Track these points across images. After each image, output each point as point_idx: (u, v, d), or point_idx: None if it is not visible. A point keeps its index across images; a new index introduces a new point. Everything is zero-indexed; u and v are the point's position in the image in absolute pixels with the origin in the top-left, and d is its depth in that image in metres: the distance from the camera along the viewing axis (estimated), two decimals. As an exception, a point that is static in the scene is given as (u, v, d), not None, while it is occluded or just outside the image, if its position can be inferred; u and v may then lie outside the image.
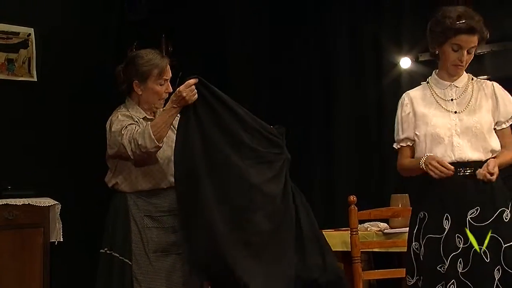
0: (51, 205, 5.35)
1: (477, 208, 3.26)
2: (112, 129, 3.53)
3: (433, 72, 3.52)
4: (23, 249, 5.22)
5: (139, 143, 3.41)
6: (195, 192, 3.44)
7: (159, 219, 3.60)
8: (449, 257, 3.25)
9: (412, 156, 3.47)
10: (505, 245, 3.23)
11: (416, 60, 6.06)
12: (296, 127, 6.45)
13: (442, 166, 3.25)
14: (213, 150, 3.49)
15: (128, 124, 3.50)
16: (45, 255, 5.29)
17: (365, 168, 6.28)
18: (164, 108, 3.55)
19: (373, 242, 4.75)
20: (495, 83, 3.48)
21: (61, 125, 5.86)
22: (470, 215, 3.26)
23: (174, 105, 3.48)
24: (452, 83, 3.43)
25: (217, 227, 3.40)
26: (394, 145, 3.53)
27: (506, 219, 3.28)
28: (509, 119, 3.43)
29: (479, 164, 3.29)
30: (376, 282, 5.44)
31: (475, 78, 3.49)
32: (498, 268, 3.22)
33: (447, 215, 3.28)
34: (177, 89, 3.49)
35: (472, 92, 3.43)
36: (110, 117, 3.61)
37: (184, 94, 3.44)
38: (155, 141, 3.41)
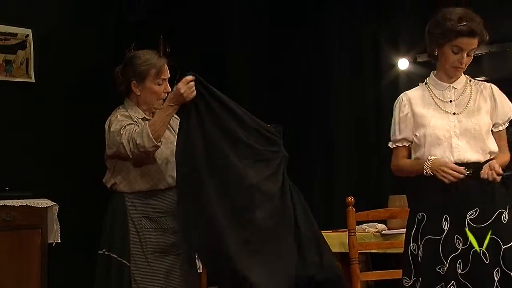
0: (49, 206, 5.35)
1: (476, 209, 3.26)
2: (111, 129, 3.53)
3: (431, 73, 3.52)
4: (21, 250, 5.21)
5: (137, 142, 3.41)
6: (197, 192, 3.43)
7: (157, 220, 3.60)
8: (448, 258, 3.25)
9: (408, 157, 3.48)
10: (504, 247, 3.24)
11: (414, 61, 6.07)
12: (295, 127, 6.45)
13: (453, 170, 3.25)
14: (214, 149, 3.49)
15: (127, 124, 3.50)
16: (43, 256, 5.29)
17: (363, 169, 6.28)
18: (162, 106, 3.54)
19: (371, 243, 4.75)
20: (493, 85, 3.49)
21: (59, 126, 5.86)
22: (469, 216, 3.26)
23: (171, 103, 3.47)
24: (451, 85, 3.44)
25: (219, 226, 3.40)
26: (390, 145, 3.52)
27: (504, 220, 3.28)
28: (506, 121, 3.44)
29: (478, 165, 3.29)
30: (374, 283, 5.44)
31: (473, 80, 3.49)
32: (497, 269, 3.22)
33: (446, 216, 3.28)
34: (175, 86, 3.48)
35: (471, 94, 3.43)
36: (109, 118, 3.61)
37: (182, 91, 3.43)
38: (153, 140, 3.40)
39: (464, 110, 3.39)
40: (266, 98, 6.35)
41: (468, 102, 3.41)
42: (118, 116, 3.58)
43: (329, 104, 6.48)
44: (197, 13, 6.42)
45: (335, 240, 4.75)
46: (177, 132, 3.64)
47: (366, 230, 4.92)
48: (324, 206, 6.26)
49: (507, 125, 3.45)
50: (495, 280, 3.21)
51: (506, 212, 3.29)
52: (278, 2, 6.65)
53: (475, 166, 3.29)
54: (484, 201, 3.28)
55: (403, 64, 6.13)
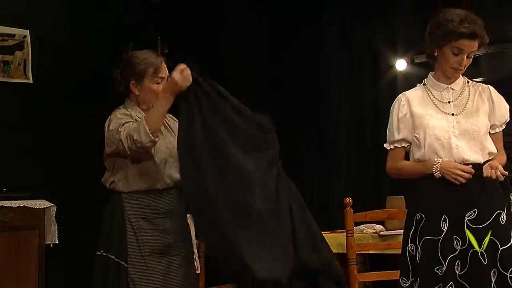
0: (47, 207, 5.34)
1: (475, 210, 3.26)
2: (110, 127, 3.53)
3: (429, 74, 3.52)
4: (18, 251, 5.21)
5: (135, 138, 3.40)
6: (199, 179, 3.42)
7: (154, 221, 3.60)
8: (447, 259, 3.25)
9: (404, 159, 3.47)
10: (502, 248, 3.24)
11: (412, 62, 6.08)
12: (292, 128, 6.45)
13: (463, 171, 3.25)
14: (213, 137, 3.46)
15: (126, 122, 3.50)
16: (41, 257, 5.28)
17: (361, 170, 6.29)
18: (157, 99, 3.53)
19: (368, 244, 4.76)
20: (491, 87, 3.49)
21: (56, 127, 5.86)
22: (468, 217, 3.26)
23: (167, 94, 3.46)
24: (449, 86, 3.44)
25: (221, 212, 3.39)
26: (386, 146, 3.51)
27: (502, 221, 3.29)
28: (503, 123, 3.45)
29: (477, 166, 3.30)
30: (372, 284, 5.44)
31: (470, 81, 3.50)
32: (494, 270, 3.23)
33: (444, 217, 3.28)
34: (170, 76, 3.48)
35: (469, 95, 3.43)
36: (109, 117, 3.61)
37: (177, 80, 3.42)
38: (150, 135, 3.40)
39: (462, 111, 3.40)
40: (263, 98, 6.35)
41: (467, 103, 3.41)
42: (118, 115, 3.58)
43: (327, 105, 6.49)
44: (195, 14, 6.42)
45: (333, 241, 4.75)
46: (175, 132, 3.65)
47: (364, 231, 4.93)
48: (322, 207, 6.26)
49: (504, 127, 3.46)
50: (492, 281, 3.21)
51: (504, 213, 3.30)
52: (275, 2, 6.65)
53: (475, 167, 3.30)
54: (482, 202, 3.28)
55: (401, 65, 6.15)
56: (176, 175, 3.62)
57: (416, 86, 3.55)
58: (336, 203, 5.06)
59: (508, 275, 3.22)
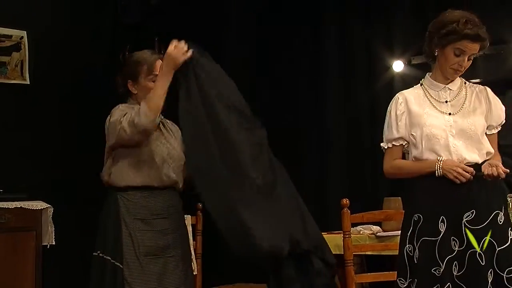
0: (44, 208, 5.33)
1: (473, 211, 3.27)
2: (111, 120, 3.54)
3: (427, 74, 3.53)
4: (15, 253, 5.20)
5: (135, 122, 3.41)
6: (204, 153, 3.44)
7: (150, 222, 3.59)
8: (444, 260, 3.25)
9: (401, 158, 3.47)
10: (499, 248, 3.25)
11: (408, 63, 6.09)
12: (289, 129, 6.46)
13: (464, 170, 3.26)
14: (212, 112, 3.47)
15: (127, 112, 3.51)
16: (38, 259, 5.27)
17: (358, 171, 6.29)
18: (156, 79, 3.52)
19: (365, 245, 4.75)
20: (488, 88, 3.50)
21: (54, 128, 5.85)
22: (465, 217, 3.27)
23: (165, 70, 3.47)
24: (446, 86, 3.45)
25: (224, 182, 3.40)
26: (383, 145, 3.50)
27: (500, 221, 3.29)
28: (499, 124, 3.46)
29: (475, 166, 3.30)
30: (369, 285, 5.45)
31: (467, 82, 3.51)
32: (491, 270, 3.23)
33: (442, 218, 3.28)
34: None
35: (466, 95, 3.44)
36: (111, 112, 3.61)
37: (172, 54, 3.44)
38: (151, 116, 3.40)
39: (459, 111, 3.40)
40: (261, 99, 6.35)
41: (464, 103, 3.42)
42: (120, 107, 3.60)
43: (324, 105, 6.49)
44: (193, 15, 6.41)
45: (330, 242, 4.71)
46: (176, 136, 3.69)
47: (361, 232, 4.92)
48: (319, 208, 6.25)
49: (499, 128, 3.47)
50: (488, 282, 3.22)
51: (502, 213, 3.30)
52: (274, 3, 6.66)
53: (475, 167, 3.30)
54: (481, 202, 3.28)
55: (398, 66, 6.15)
56: (174, 176, 3.62)
57: (413, 87, 3.55)
58: (333, 204, 5.07)
59: (505, 275, 3.22)
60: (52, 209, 5.36)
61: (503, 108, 3.48)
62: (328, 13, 6.53)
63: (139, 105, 3.64)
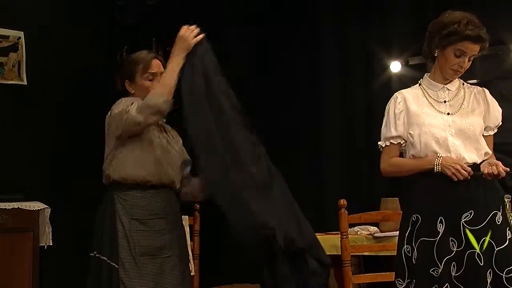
0: (41, 209, 5.33)
1: (471, 211, 3.27)
2: (115, 111, 3.53)
3: (425, 75, 3.53)
4: (12, 253, 5.20)
5: (150, 103, 3.42)
6: (204, 119, 3.45)
7: (147, 222, 3.59)
8: (443, 261, 3.25)
9: (398, 156, 3.47)
10: (497, 249, 3.25)
11: (406, 64, 6.09)
12: (286, 130, 6.46)
13: (463, 169, 3.26)
14: (214, 100, 3.49)
15: (133, 102, 3.52)
16: (35, 259, 5.27)
17: (355, 172, 6.29)
18: (168, 62, 3.53)
19: (363, 245, 4.76)
20: (486, 89, 3.51)
21: (51, 128, 5.85)
22: (464, 218, 3.27)
23: (176, 52, 3.48)
24: (445, 86, 3.45)
25: (227, 167, 3.41)
26: (381, 143, 3.50)
27: (498, 221, 3.30)
28: (496, 126, 3.47)
29: (473, 166, 3.31)
30: (366, 285, 5.45)
31: (465, 83, 3.51)
32: (490, 271, 3.23)
33: (441, 218, 3.28)
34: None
35: (464, 96, 3.45)
36: (113, 106, 3.61)
37: (184, 35, 3.47)
38: (165, 96, 3.41)
39: (458, 111, 3.41)
40: (256, 101, 6.35)
41: (462, 103, 3.43)
42: (123, 100, 3.61)
43: (321, 106, 6.49)
44: (191, 15, 6.41)
45: (327, 242, 4.74)
46: (176, 140, 3.72)
47: (359, 233, 4.93)
48: (316, 209, 6.26)
49: (496, 130, 3.47)
50: (487, 282, 3.22)
51: (500, 213, 3.31)
52: (269, 6, 6.66)
53: (473, 167, 3.30)
54: (479, 202, 3.29)
55: (395, 66, 6.16)
56: (172, 175, 3.63)
57: (410, 87, 3.56)
58: (331, 204, 5.07)
59: (504, 275, 3.23)
60: (49, 210, 5.35)
61: (500, 110, 3.49)
62: (326, 13, 6.53)
63: None
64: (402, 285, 3.35)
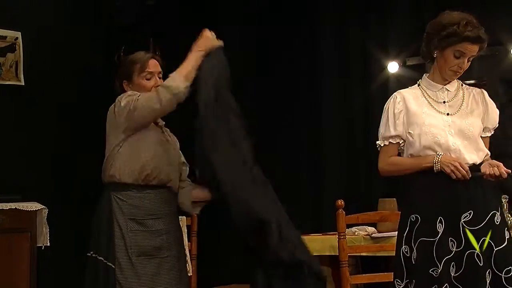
0: (38, 209, 5.32)
1: (471, 212, 3.27)
2: (122, 104, 3.52)
3: (424, 75, 3.53)
4: (10, 254, 5.19)
5: (168, 85, 3.44)
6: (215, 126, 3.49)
7: (145, 222, 3.58)
8: (442, 261, 3.24)
9: (397, 156, 3.48)
10: (496, 249, 3.25)
11: (403, 65, 6.10)
12: (284, 131, 6.46)
13: (463, 168, 3.26)
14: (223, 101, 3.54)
15: (140, 94, 3.53)
16: (32, 260, 5.26)
17: (353, 173, 6.30)
18: (188, 54, 3.56)
19: (360, 246, 4.75)
20: (484, 91, 3.51)
21: (48, 129, 5.85)
22: (463, 218, 3.27)
23: (198, 48, 3.54)
24: (444, 86, 3.45)
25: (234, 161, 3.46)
26: (379, 143, 3.49)
27: (497, 222, 3.30)
28: (493, 128, 3.47)
29: (472, 166, 3.31)
30: (364, 286, 5.45)
31: (464, 84, 3.51)
32: (489, 271, 3.24)
33: (440, 219, 3.28)
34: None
35: (463, 97, 3.45)
36: (115, 102, 3.60)
37: (208, 35, 3.54)
38: (184, 82, 3.45)
39: (457, 112, 3.41)
40: (254, 101, 6.35)
41: (461, 104, 3.43)
42: (129, 92, 3.60)
43: (319, 106, 6.50)
44: (190, 15, 6.41)
45: (325, 243, 4.75)
46: (174, 141, 3.73)
47: (356, 233, 4.93)
48: (313, 209, 6.27)
49: (493, 132, 3.47)
50: (487, 282, 3.22)
51: (498, 214, 3.31)
52: (267, 6, 6.66)
53: (473, 168, 3.30)
54: (478, 203, 3.29)
55: (393, 67, 6.16)
56: (171, 175, 3.63)
57: (408, 87, 3.55)
58: (328, 205, 5.07)
59: (503, 275, 3.23)
60: (46, 210, 5.35)
61: (498, 112, 3.49)
62: (325, 13, 6.53)
63: None
64: (401, 285, 3.34)
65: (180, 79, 3.47)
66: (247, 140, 3.55)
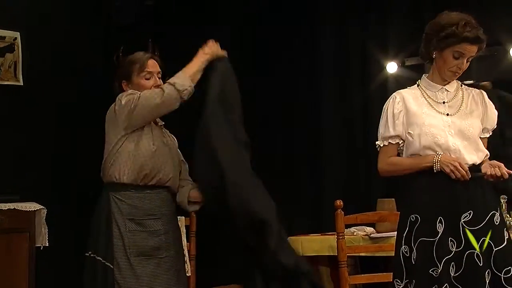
0: (37, 209, 5.32)
1: (470, 212, 3.27)
2: (123, 102, 3.53)
3: (423, 76, 3.52)
4: (8, 254, 5.19)
5: (173, 82, 3.47)
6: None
7: (142, 222, 3.59)
8: (442, 261, 3.24)
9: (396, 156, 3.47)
10: (496, 249, 3.25)
11: (402, 65, 6.10)
12: (283, 131, 6.46)
13: (462, 168, 3.26)
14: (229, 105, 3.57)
15: (140, 93, 3.54)
16: (31, 260, 5.26)
17: (351, 173, 6.29)
18: (194, 58, 3.61)
19: (359, 246, 4.75)
20: (483, 92, 3.51)
21: (47, 129, 5.85)
22: (463, 218, 3.27)
23: (204, 53, 3.59)
24: (444, 87, 3.45)
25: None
26: (379, 143, 3.48)
27: (496, 222, 3.30)
28: (491, 129, 3.47)
29: (472, 167, 3.31)
30: (363, 286, 5.45)
31: (463, 85, 3.51)
32: (488, 271, 3.23)
33: (440, 218, 3.28)
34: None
35: (463, 98, 3.45)
36: (114, 103, 3.60)
37: (215, 43, 3.61)
38: (189, 81, 3.49)
39: (457, 112, 3.40)
40: (252, 102, 6.35)
41: (461, 105, 3.42)
42: (130, 91, 3.61)
43: (317, 106, 6.50)
44: (189, 16, 6.41)
45: (324, 243, 4.75)
46: (173, 141, 3.75)
47: (355, 234, 4.92)
48: (312, 210, 6.27)
49: (491, 133, 3.47)
50: (486, 282, 3.22)
51: (498, 214, 3.31)
52: (266, 6, 6.66)
53: (473, 168, 3.30)
54: (478, 203, 3.29)
55: (391, 67, 6.16)
56: (170, 175, 3.63)
57: (407, 87, 3.55)
58: (327, 205, 5.07)
59: (502, 275, 3.23)
60: (45, 211, 5.35)
61: (496, 113, 3.49)
62: (327, 13, 6.53)
63: None
64: (400, 285, 3.34)
65: (185, 77, 3.50)
66: (247, 140, 3.57)
